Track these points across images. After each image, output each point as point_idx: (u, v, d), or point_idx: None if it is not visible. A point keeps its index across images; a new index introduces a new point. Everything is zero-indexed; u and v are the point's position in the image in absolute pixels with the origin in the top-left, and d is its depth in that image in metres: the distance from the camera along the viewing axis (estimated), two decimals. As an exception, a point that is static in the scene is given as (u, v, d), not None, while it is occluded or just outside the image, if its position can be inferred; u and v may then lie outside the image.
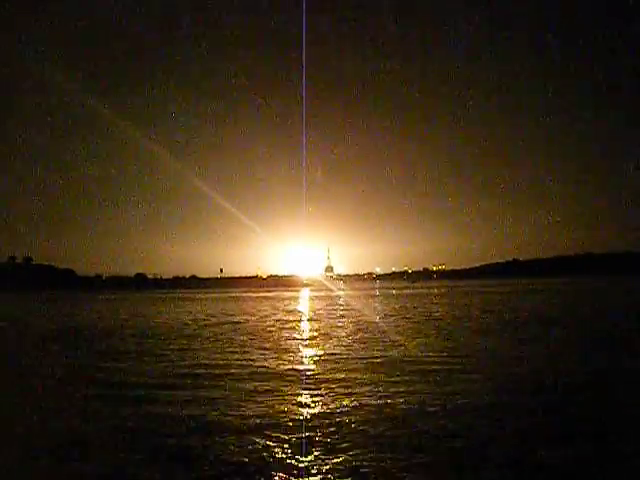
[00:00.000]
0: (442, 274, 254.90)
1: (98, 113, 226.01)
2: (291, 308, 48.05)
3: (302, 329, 26.54)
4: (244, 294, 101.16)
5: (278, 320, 32.23)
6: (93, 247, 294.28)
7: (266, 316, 36.27)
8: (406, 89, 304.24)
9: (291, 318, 34.07)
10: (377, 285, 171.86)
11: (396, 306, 44.61)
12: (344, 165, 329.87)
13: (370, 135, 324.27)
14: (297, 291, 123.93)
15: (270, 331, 25.32)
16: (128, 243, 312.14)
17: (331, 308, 45.64)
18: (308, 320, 32.52)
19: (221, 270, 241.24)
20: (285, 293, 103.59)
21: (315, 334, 23.52)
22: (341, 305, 50.94)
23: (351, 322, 29.31)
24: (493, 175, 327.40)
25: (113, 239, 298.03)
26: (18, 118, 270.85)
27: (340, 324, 28.37)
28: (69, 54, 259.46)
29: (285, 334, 23.70)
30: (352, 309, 43.62)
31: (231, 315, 38.44)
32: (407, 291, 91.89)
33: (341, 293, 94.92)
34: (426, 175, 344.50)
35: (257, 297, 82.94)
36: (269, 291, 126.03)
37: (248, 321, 32.18)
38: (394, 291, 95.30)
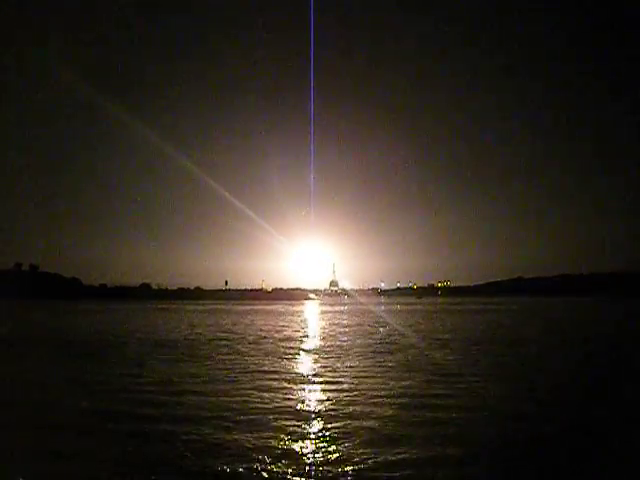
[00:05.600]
0: (447, 290, 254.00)
1: (107, 119, 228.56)
2: (296, 323, 48.32)
3: (304, 347, 26.76)
4: (249, 307, 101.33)
5: (281, 338, 32.49)
6: (99, 256, 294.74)
7: (268, 331, 36.60)
8: (412, 104, 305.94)
9: (294, 335, 34.37)
10: (382, 300, 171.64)
11: (404, 322, 44.88)
12: (350, 180, 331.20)
13: (376, 151, 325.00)
14: (302, 305, 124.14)
15: (268, 352, 25.54)
16: (134, 253, 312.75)
17: (337, 323, 45.92)
18: (313, 337, 32.72)
19: (226, 282, 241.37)
20: (289, 307, 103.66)
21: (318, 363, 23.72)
22: (346, 321, 51.10)
23: (360, 340, 29.55)
24: (500, 192, 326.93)
25: (119, 249, 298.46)
26: (29, 126, 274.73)
27: (347, 344, 28.50)
28: (88, 62, 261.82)
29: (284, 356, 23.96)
30: (358, 324, 43.89)
31: (233, 330, 38.74)
32: (413, 307, 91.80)
33: (346, 308, 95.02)
34: (432, 191, 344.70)
35: (261, 310, 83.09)
36: (274, 304, 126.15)
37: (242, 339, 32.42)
38: (399, 307, 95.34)
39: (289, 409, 11.53)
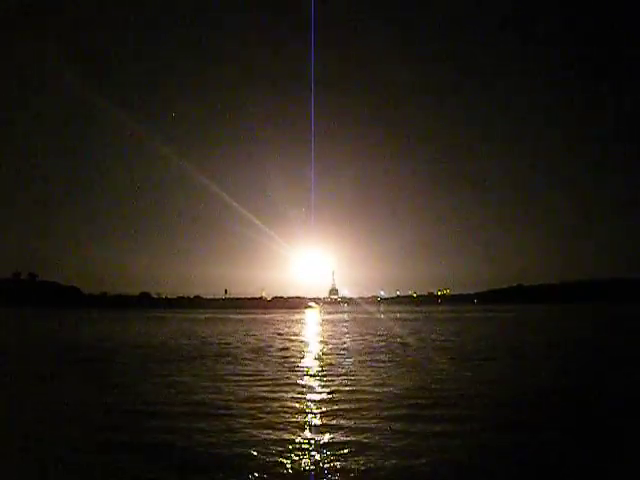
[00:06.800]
0: (447, 299, 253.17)
1: (108, 125, 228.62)
2: (295, 333, 47.70)
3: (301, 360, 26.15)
4: (249, 316, 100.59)
5: (282, 348, 31.88)
6: (99, 265, 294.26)
7: (267, 341, 35.96)
8: (414, 111, 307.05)
9: (294, 346, 33.77)
10: (381, 308, 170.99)
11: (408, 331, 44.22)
12: (350, 188, 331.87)
13: (376, 159, 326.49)
14: (302, 313, 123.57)
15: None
16: (134, 261, 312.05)
17: (339, 333, 45.25)
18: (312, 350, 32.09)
19: (226, 291, 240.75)
20: (290, 316, 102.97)
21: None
22: (347, 330, 50.43)
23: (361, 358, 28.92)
24: (500, 200, 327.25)
25: (119, 257, 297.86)
26: (26, 131, 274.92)
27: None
28: (88, 64, 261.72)
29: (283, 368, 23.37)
30: (362, 333, 43.19)
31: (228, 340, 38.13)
32: (413, 315, 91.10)
33: (347, 316, 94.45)
34: (431, 199, 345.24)
35: (261, 319, 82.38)
36: (274, 313, 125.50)
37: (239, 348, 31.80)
38: (399, 315, 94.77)
39: (285, 440, 10.90)
